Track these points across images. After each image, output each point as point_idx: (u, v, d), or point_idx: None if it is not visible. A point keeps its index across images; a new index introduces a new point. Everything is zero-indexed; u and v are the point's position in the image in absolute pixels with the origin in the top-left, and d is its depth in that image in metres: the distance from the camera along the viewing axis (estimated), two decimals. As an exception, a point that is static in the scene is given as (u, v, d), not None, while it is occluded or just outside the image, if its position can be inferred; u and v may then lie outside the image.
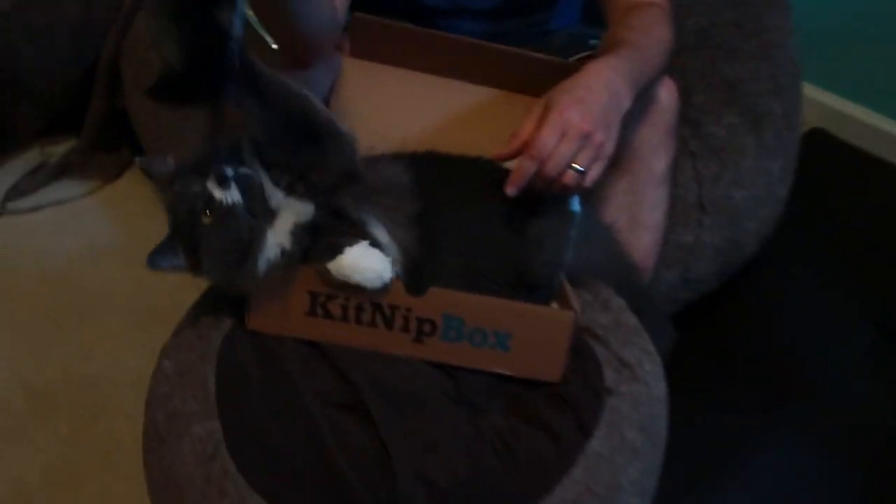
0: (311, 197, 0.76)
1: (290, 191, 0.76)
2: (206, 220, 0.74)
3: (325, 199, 0.77)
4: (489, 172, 0.94)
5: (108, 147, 1.55)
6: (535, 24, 1.29)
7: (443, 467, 0.75)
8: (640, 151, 1.06)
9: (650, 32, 0.98)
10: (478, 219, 0.88)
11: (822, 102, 1.84)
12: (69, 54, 1.42)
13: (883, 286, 1.43)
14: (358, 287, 0.77)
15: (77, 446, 1.15)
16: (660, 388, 0.89)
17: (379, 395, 0.78)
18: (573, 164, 0.83)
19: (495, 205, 0.90)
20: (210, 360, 0.81)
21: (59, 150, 1.52)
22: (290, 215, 0.76)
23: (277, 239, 0.76)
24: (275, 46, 1.33)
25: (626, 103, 0.89)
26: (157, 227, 1.47)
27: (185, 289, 1.37)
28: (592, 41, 1.25)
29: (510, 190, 0.83)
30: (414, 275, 0.80)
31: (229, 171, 0.73)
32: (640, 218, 1.10)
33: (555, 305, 0.88)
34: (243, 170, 0.74)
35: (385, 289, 0.78)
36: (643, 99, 1.05)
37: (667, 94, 1.06)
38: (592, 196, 1.03)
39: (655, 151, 1.07)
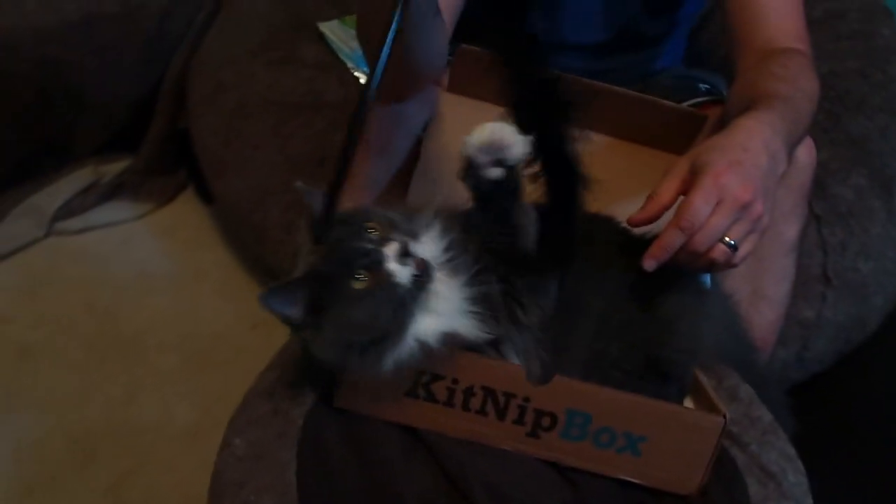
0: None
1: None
2: (357, 285, 0.62)
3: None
4: (610, 233, 0.82)
5: (165, 169, 1.46)
6: (640, 62, 1.19)
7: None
8: (771, 214, 0.94)
9: (799, 84, 0.86)
10: (603, 292, 0.76)
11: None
12: (136, 70, 1.34)
13: None
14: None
15: (118, 502, 1.04)
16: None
17: (489, 500, 0.65)
18: (725, 238, 0.70)
19: (621, 276, 0.78)
20: (290, 443, 0.69)
21: (113, 169, 1.44)
22: (444, 319, 0.64)
23: (420, 335, 0.64)
24: (363, 80, 1.24)
25: (783, 166, 0.77)
26: (210, 258, 1.40)
27: (241, 334, 1.28)
28: (702, 85, 1.14)
29: (649, 263, 0.71)
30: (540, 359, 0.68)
31: (416, 249, 0.63)
32: (764, 290, 0.97)
33: (689, 402, 0.76)
34: (428, 256, 0.64)
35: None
36: None
37: (806, 152, 0.94)
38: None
39: (788, 217, 0.95)
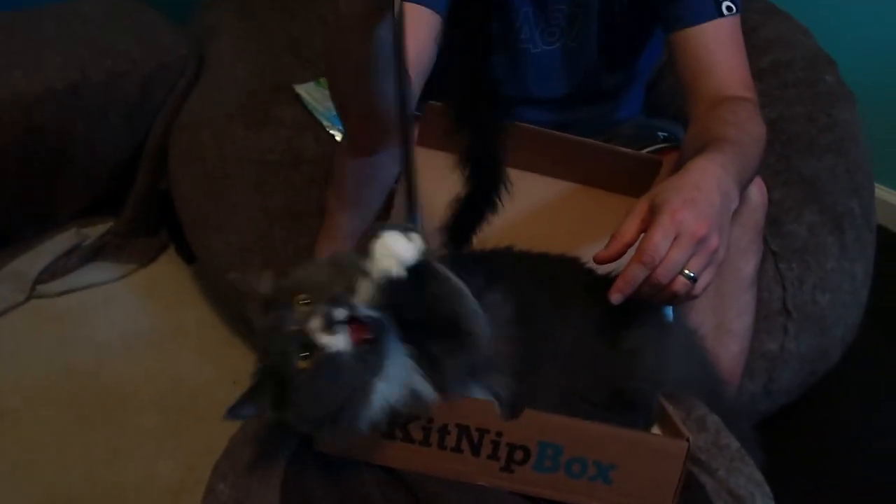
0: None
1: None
2: (301, 365, 0.62)
3: None
4: (576, 273, 0.87)
5: (146, 230, 1.49)
6: (601, 113, 1.26)
7: None
8: (728, 254, 0.99)
9: (746, 129, 0.92)
10: (569, 328, 0.80)
11: (882, 199, 1.79)
12: (119, 135, 1.38)
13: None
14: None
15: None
16: (776, 526, 0.78)
17: (467, 536, 0.68)
18: (685, 271, 0.75)
19: (585, 311, 0.82)
20: (273, 487, 0.71)
21: (95, 231, 1.46)
22: (404, 371, 0.64)
23: (387, 394, 0.64)
24: (339, 138, 1.29)
25: (735, 203, 0.82)
26: (191, 316, 1.43)
27: (223, 389, 1.29)
28: (661, 133, 1.20)
29: (615, 297, 0.75)
30: (509, 394, 0.71)
31: (340, 314, 0.61)
32: (727, 324, 1.02)
33: (656, 430, 0.79)
34: (367, 312, 0.62)
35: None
36: None
37: (757, 192, 1.00)
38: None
39: (744, 254, 1.00)
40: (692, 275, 0.75)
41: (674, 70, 1.09)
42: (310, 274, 0.67)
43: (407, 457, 0.72)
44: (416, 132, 1.03)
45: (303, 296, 0.63)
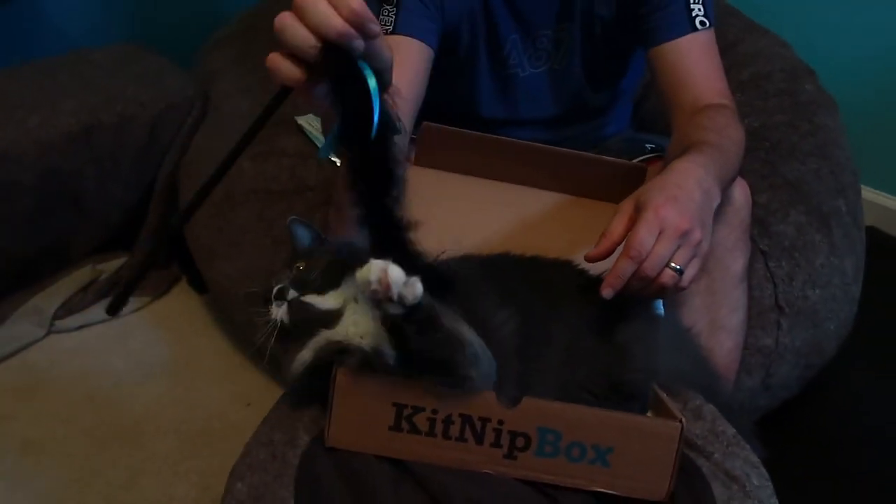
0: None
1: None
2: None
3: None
4: (570, 275, 0.91)
5: (159, 264, 1.54)
6: (590, 130, 1.31)
7: None
8: (716, 253, 1.03)
9: (726, 132, 0.97)
10: (566, 325, 0.84)
11: (871, 201, 1.83)
12: (131, 175, 1.45)
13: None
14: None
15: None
16: (773, 504, 0.81)
17: (475, 520, 0.71)
18: (671, 264, 0.79)
19: (580, 310, 0.86)
20: (287, 482, 0.75)
21: (110, 266, 1.52)
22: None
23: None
24: (339, 163, 1.34)
25: (717, 200, 0.86)
26: (204, 344, 1.47)
27: (237, 412, 1.33)
28: (649, 145, 1.25)
29: (606, 292, 0.79)
30: (507, 384, 0.75)
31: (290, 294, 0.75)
32: (720, 320, 1.05)
33: (649, 415, 0.82)
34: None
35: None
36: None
37: (741, 192, 1.04)
38: (670, 299, 0.99)
39: (732, 252, 1.04)
40: (678, 267, 0.79)
41: (654, 84, 1.14)
42: (316, 252, 0.80)
43: (413, 448, 0.75)
44: (412, 153, 1.09)
45: (299, 264, 0.78)
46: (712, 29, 1.07)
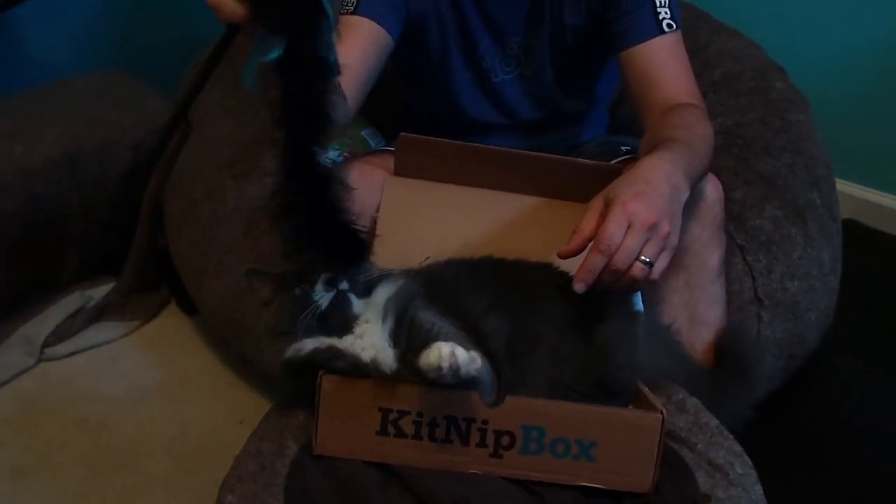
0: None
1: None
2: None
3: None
4: (551, 277, 0.93)
5: (147, 287, 1.55)
6: (566, 137, 1.34)
7: None
8: (692, 248, 1.05)
9: (694, 130, 0.99)
10: (551, 326, 0.86)
11: (848, 194, 1.86)
12: (116, 199, 1.46)
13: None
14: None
15: None
16: (757, 492, 0.82)
17: (461, 517, 0.72)
18: (641, 257, 0.81)
19: (563, 311, 0.88)
20: (277, 492, 0.76)
21: (98, 292, 1.52)
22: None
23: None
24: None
25: (685, 195, 0.88)
26: (195, 364, 1.48)
27: (230, 430, 1.34)
28: (624, 147, 1.27)
29: (578, 286, 0.81)
30: (498, 387, 0.77)
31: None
32: (699, 315, 1.07)
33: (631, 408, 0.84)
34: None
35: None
36: (690, 196, 1.06)
37: (712, 188, 1.06)
38: (649, 296, 1.01)
39: (707, 247, 1.06)
40: (648, 260, 0.81)
41: (625, 88, 1.17)
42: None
43: (400, 452, 0.76)
44: (391, 163, 1.11)
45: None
46: (679, 31, 1.10)
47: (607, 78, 1.32)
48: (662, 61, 1.09)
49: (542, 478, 0.77)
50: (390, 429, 0.76)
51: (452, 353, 0.70)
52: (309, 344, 0.77)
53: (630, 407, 0.84)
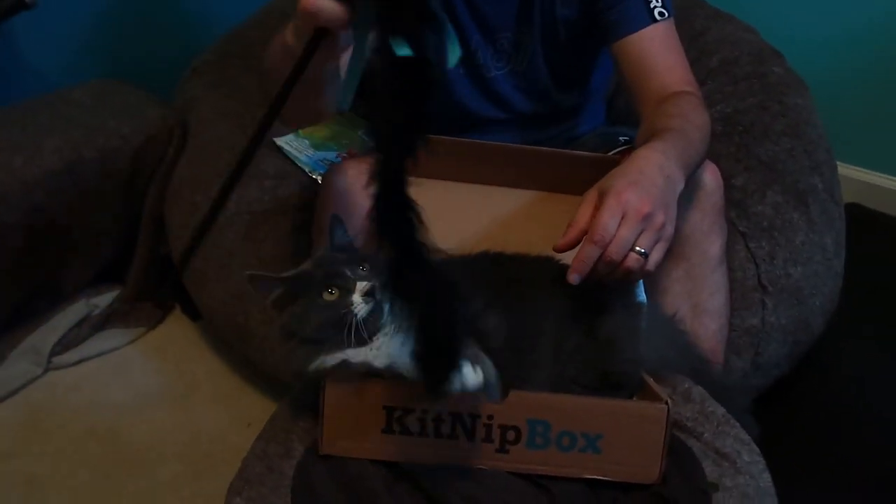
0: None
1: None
2: (325, 296, 0.76)
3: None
4: (550, 270, 0.93)
5: (152, 294, 1.55)
6: (563, 131, 1.33)
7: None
8: (692, 238, 1.05)
9: (690, 118, 0.99)
10: (553, 321, 0.86)
11: (851, 177, 1.85)
12: (117, 207, 1.46)
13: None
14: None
15: None
16: (765, 479, 0.82)
17: (470, 514, 0.72)
18: (636, 248, 0.80)
19: (565, 304, 0.88)
20: (284, 493, 0.76)
21: (103, 300, 1.53)
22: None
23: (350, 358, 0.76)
24: (321, 181, 1.35)
25: (680, 185, 0.88)
26: (202, 369, 1.48)
27: (238, 433, 1.34)
28: (622, 137, 1.27)
29: (573, 277, 0.80)
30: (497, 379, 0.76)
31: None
32: (702, 304, 1.06)
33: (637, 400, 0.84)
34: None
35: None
36: (689, 185, 1.05)
37: (711, 177, 1.06)
38: (651, 287, 1.01)
39: (708, 235, 1.06)
40: (643, 251, 0.80)
41: (620, 79, 1.16)
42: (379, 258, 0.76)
43: (407, 449, 0.77)
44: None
45: (366, 264, 0.78)
46: (672, 19, 1.09)
47: (601, 70, 1.31)
48: (656, 50, 1.08)
49: (548, 471, 0.77)
50: (395, 426, 0.76)
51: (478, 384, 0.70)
52: (331, 360, 0.75)
53: (635, 398, 0.84)
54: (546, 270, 0.93)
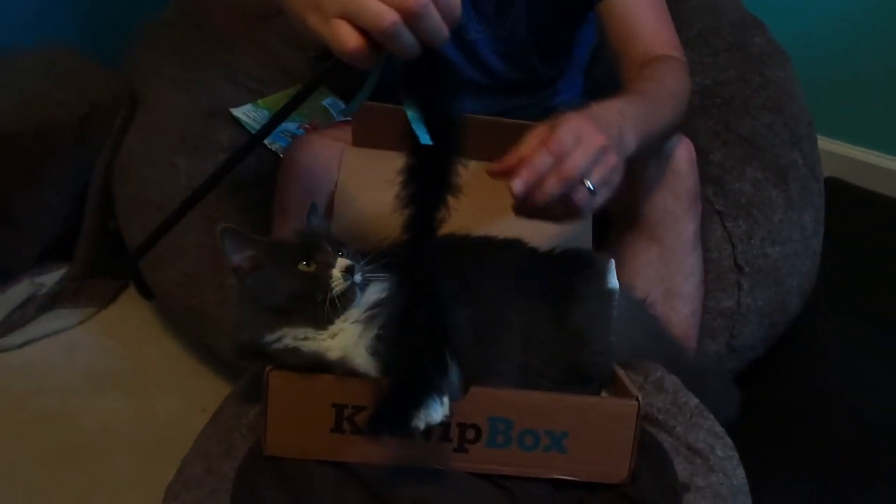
0: None
1: None
2: (300, 266, 0.72)
3: None
4: (518, 254, 0.87)
5: (102, 272, 1.48)
6: (539, 101, 1.27)
7: None
8: (665, 221, 1.01)
9: (663, 82, 0.94)
10: (521, 309, 0.80)
11: (831, 151, 1.81)
12: (61, 182, 1.38)
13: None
14: None
15: None
16: (739, 475, 0.78)
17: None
18: (586, 181, 0.73)
19: (531, 291, 0.82)
20: (224, 498, 0.70)
21: (50, 278, 1.45)
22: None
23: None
24: (281, 155, 1.28)
25: (631, 147, 0.81)
26: (156, 352, 1.41)
27: (192, 418, 1.28)
28: None
29: (517, 183, 0.71)
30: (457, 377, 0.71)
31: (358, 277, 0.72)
32: (675, 289, 1.02)
33: (604, 395, 0.79)
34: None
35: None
36: (661, 164, 1.00)
37: (686, 159, 1.01)
38: (622, 272, 0.95)
39: (681, 218, 1.01)
40: (592, 186, 0.74)
41: (606, 43, 1.11)
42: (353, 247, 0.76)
43: (358, 449, 0.71)
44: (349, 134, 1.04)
45: (346, 248, 0.75)
46: None
47: (584, 38, 1.26)
48: (640, 12, 1.04)
49: (510, 471, 0.72)
50: (345, 425, 0.71)
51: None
52: (285, 341, 0.70)
53: (604, 392, 0.79)
54: (514, 255, 0.88)
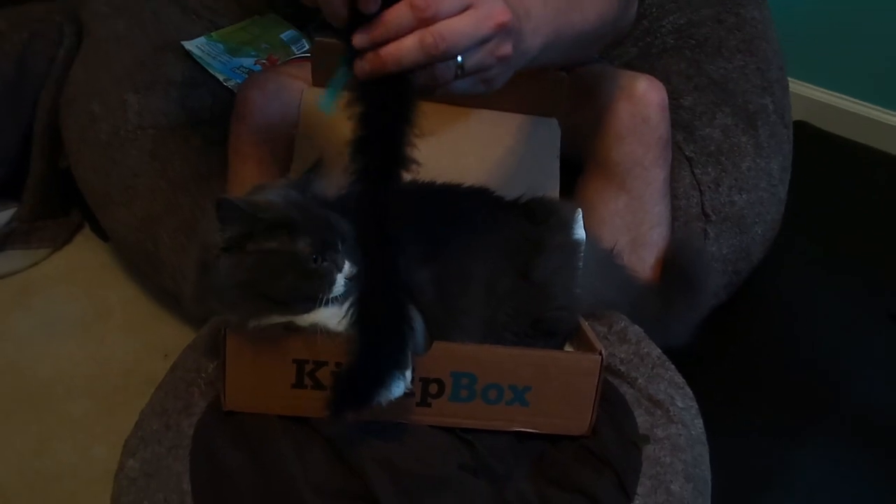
0: None
1: None
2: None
3: None
4: (483, 202, 0.85)
5: (54, 212, 1.42)
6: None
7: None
8: (633, 171, 0.99)
9: None
10: (485, 260, 0.78)
11: (801, 94, 1.80)
12: (5, 120, 1.29)
13: (891, 276, 1.36)
14: None
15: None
16: (697, 426, 0.79)
17: (387, 478, 0.66)
18: (459, 57, 0.59)
19: (496, 241, 0.80)
20: (182, 454, 0.69)
21: (-1, 219, 1.39)
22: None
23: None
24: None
25: (531, 54, 0.68)
26: (114, 295, 1.37)
27: (156, 362, 1.26)
28: None
29: (356, 37, 0.58)
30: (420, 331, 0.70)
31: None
32: (641, 238, 1.02)
33: (568, 348, 0.78)
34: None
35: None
36: (632, 110, 0.97)
37: (657, 101, 0.98)
38: (589, 220, 0.94)
39: (650, 169, 1.00)
40: (460, 61, 0.59)
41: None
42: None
43: (319, 405, 0.69)
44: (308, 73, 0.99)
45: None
46: None
47: None
48: None
49: (473, 425, 0.72)
50: (307, 381, 0.69)
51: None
52: (257, 322, 0.67)
53: (568, 345, 0.79)
54: (479, 202, 0.85)
